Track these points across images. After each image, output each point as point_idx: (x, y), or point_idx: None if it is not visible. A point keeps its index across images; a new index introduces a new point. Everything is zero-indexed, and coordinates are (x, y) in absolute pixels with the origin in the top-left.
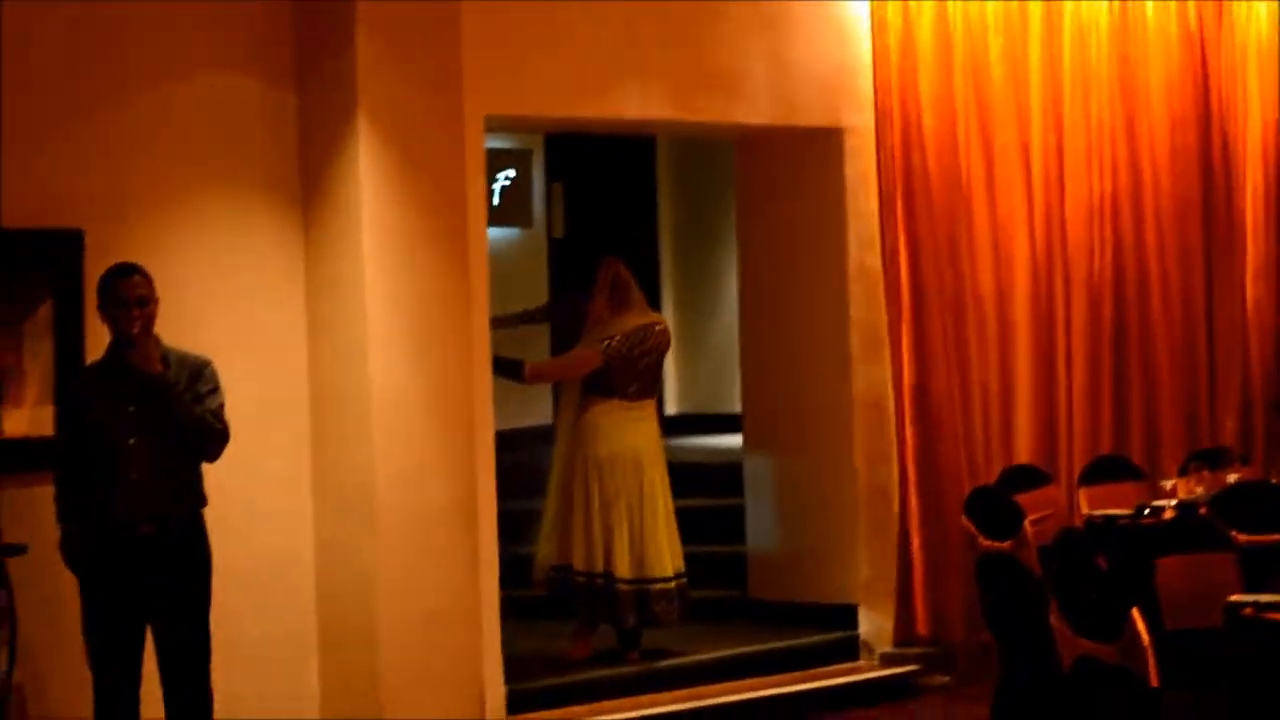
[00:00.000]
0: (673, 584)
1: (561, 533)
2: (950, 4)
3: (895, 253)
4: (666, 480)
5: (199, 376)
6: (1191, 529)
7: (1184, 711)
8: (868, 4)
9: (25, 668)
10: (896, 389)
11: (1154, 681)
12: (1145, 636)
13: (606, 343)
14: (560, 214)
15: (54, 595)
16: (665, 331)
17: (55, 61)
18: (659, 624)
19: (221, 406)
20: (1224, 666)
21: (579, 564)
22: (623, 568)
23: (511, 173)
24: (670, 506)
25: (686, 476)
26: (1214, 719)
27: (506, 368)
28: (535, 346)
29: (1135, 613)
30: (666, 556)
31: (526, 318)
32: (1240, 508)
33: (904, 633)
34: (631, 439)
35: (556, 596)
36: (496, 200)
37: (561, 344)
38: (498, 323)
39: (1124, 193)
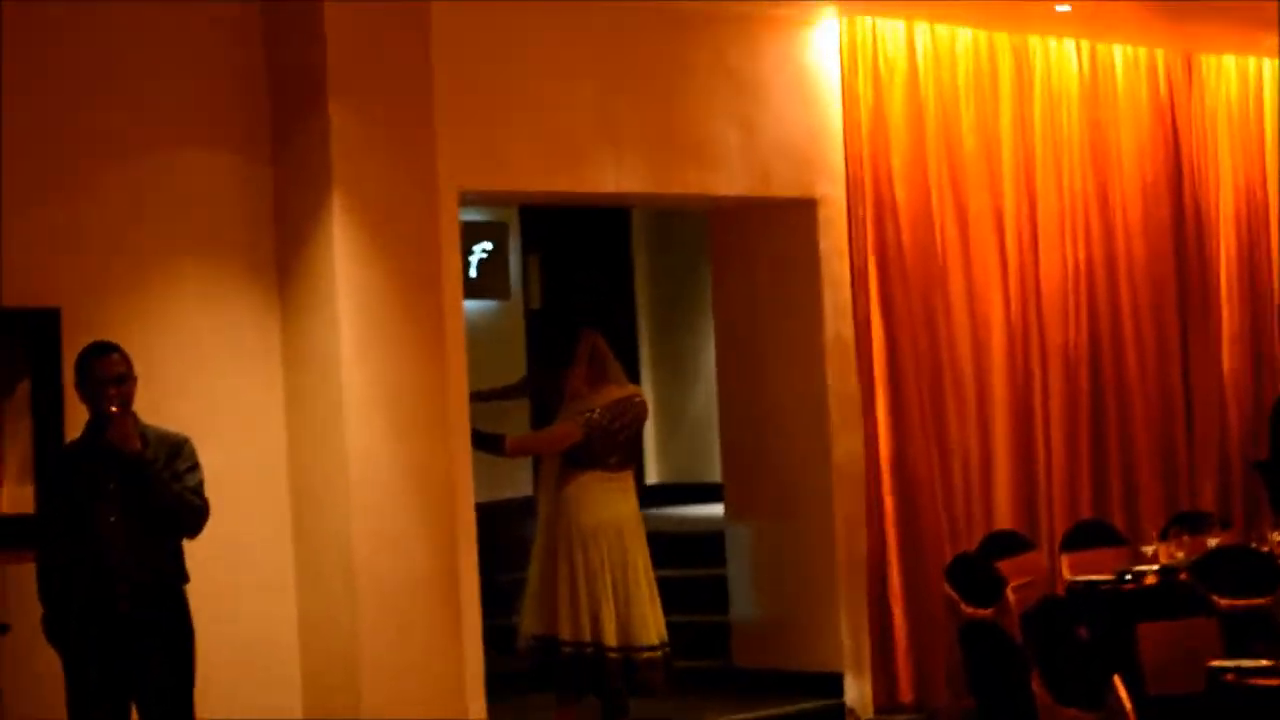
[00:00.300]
0: (659, 653)
1: (545, 603)
2: (922, 75)
3: (867, 322)
4: (646, 550)
5: (178, 454)
6: (1173, 594)
7: None
8: (839, 77)
9: None
10: (871, 458)
11: None
12: (1127, 703)
13: (587, 416)
14: (537, 285)
15: (39, 673)
16: (643, 403)
17: (29, 139)
18: (646, 693)
19: (201, 484)
20: None
21: (566, 634)
22: (610, 636)
23: (488, 245)
24: (651, 576)
25: (667, 546)
26: None
27: (486, 442)
28: (515, 419)
29: (1117, 680)
30: (651, 625)
31: (505, 393)
32: (1221, 572)
33: (886, 699)
34: (614, 509)
35: (540, 667)
36: (474, 273)
37: (541, 416)
38: (477, 396)
39: (1098, 259)
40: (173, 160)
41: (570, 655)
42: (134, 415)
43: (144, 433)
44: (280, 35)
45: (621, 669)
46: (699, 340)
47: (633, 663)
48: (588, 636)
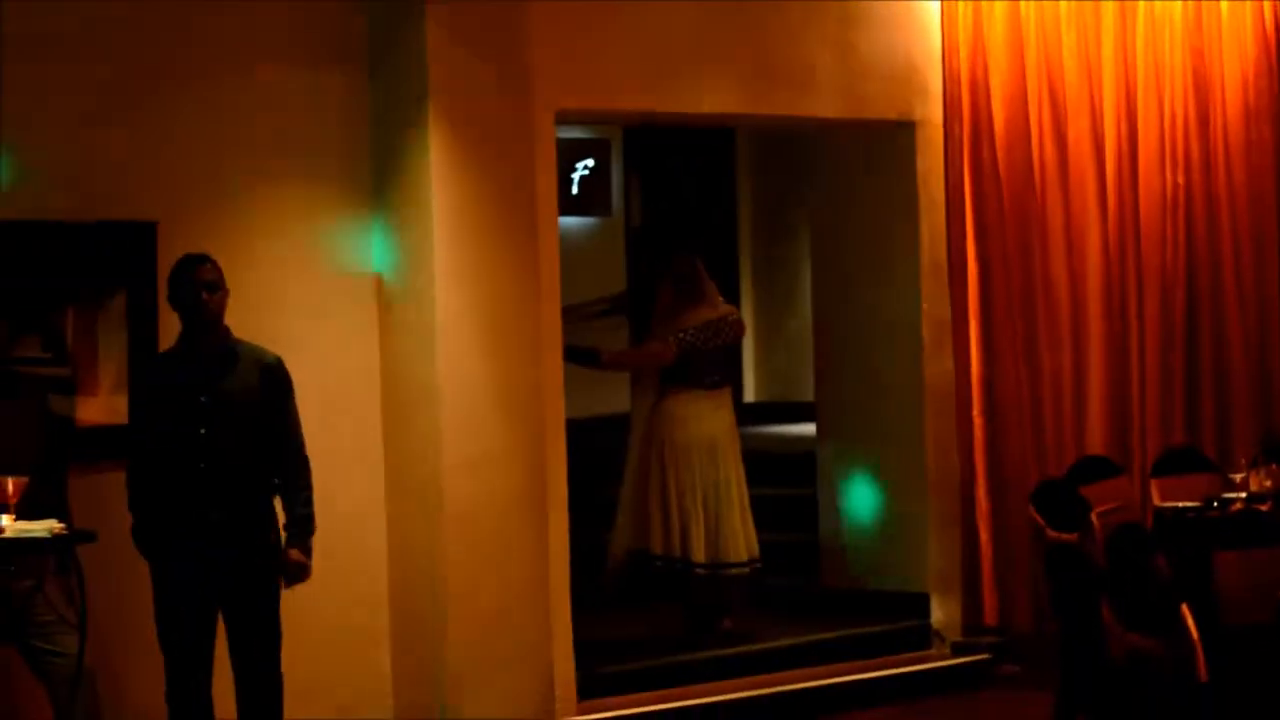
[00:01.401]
0: (746, 569)
1: (638, 518)
2: (1023, 1)
3: (963, 246)
4: (742, 468)
5: (273, 379)
6: (1255, 523)
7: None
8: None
9: (97, 654)
10: (963, 381)
11: (1203, 677)
12: (1194, 632)
13: (679, 336)
14: (638, 204)
15: (126, 582)
16: (739, 323)
17: (127, 54)
18: (731, 609)
19: (296, 413)
20: (1274, 662)
21: (658, 548)
22: (698, 553)
23: (590, 162)
24: (745, 492)
25: (761, 465)
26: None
27: (581, 356)
28: (617, 336)
29: (1184, 609)
30: (741, 543)
31: (606, 309)
32: None
33: (972, 622)
34: (708, 427)
35: (632, 580)
36: (575, 190)
37: (638, 334)
38: (575, 312)
39: (1198, 186)
40: (269, 74)
41: (660, 569)
42: (226, 328)
43: (236, 347)
44: None
45: (708, 585)
46: (798, 262)
47: (719, 579)
48: (678, 552)
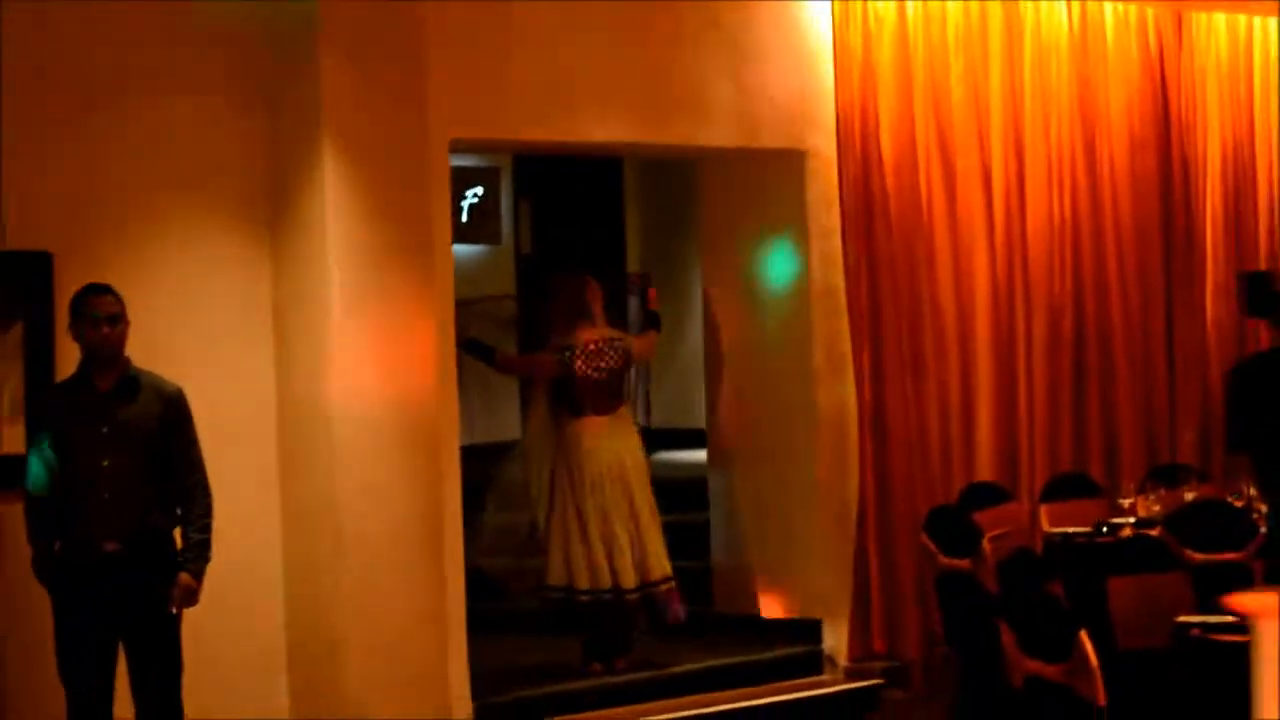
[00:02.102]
0: (672, 582)
1: (559, 554)
2: (911, 28)
3: (857, 271)
4: (649, 485)
5: (174, 409)
6: (1146, 549)
7: None
8: (830, 28)
9: (1, 682)
10: (854, 407)
11: (1100, 701)
12: (1092, 657)
13: (564, 353)
14: (528, 230)
15: (28, 610)
16: (627, 348)
17: (23, 82)
18: (670, 624)
19: (197, 443)
20: (1170, 687)
21: (584, 583)
22: (628, 579)
23: (480, 190)
24: (655, 508)
25: (654, 491)
26: None
27: (479, 350)
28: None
29: (1083, 633)
30: (663, 557)
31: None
32: (1195, 526)
33: (861, 648)
34: (616, 452)
35: (562, 614)
36: (465, 217)
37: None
38: (472, 308)
39: (1084, 214)
40: (167, 107)
41: (589, 603)
42: (127, 359)
43: (136, 378)
44: None
45: (642, 606)
46: (688, 288)
47: (651, 597)
48: (607, 583)
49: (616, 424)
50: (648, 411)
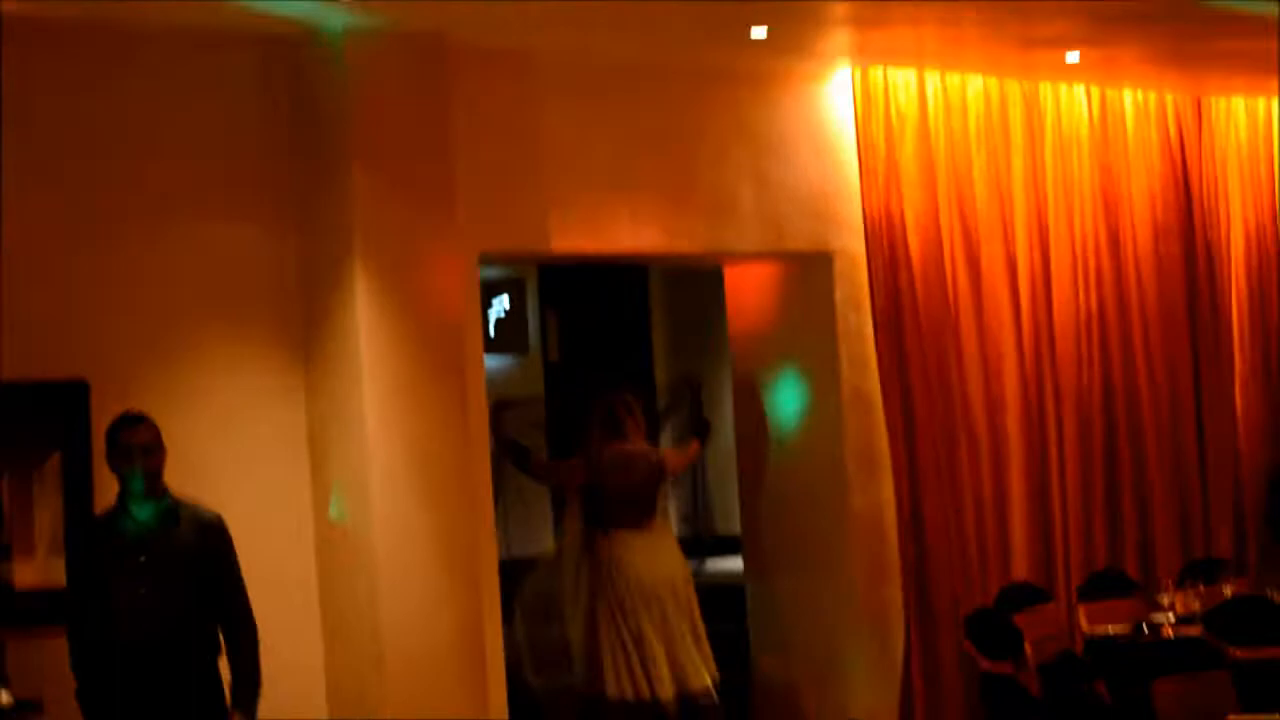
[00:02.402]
0: (714, 696)
1: (592, 664)
2: (932, 123)
3: (890, 371)
4: (693, 594)
5: (214, 537)
6: (1189, 647)
7: None
8: (853, 126)
9: None
10: (891, 510)
11: None
12: None
13: (589, 461)
14: (555, 339)
15: None
16: (660, 461)
17: (58, 212)
18: None
19: (238, 570)
20: None
21: (612, 692)
22: (665, 689)
23: (506, 301)
24: (698, 617)
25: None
26: None
27: (516, 451)
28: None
29: None
30: (702, 667)
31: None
32: (1236, 622)
33: None
34: (647, 565)
35: None
36: (492, 329)
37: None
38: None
39: (1110, 304)
40: (199, 231)
41: (624, 712)
42: (165, 487)
43: (176, 507)
44: (302, 105)
45: (681, 716)
46: (717, 391)
47: (691, 707)
48: (644, 693)
49: (650, 537)
50: (708, 519)
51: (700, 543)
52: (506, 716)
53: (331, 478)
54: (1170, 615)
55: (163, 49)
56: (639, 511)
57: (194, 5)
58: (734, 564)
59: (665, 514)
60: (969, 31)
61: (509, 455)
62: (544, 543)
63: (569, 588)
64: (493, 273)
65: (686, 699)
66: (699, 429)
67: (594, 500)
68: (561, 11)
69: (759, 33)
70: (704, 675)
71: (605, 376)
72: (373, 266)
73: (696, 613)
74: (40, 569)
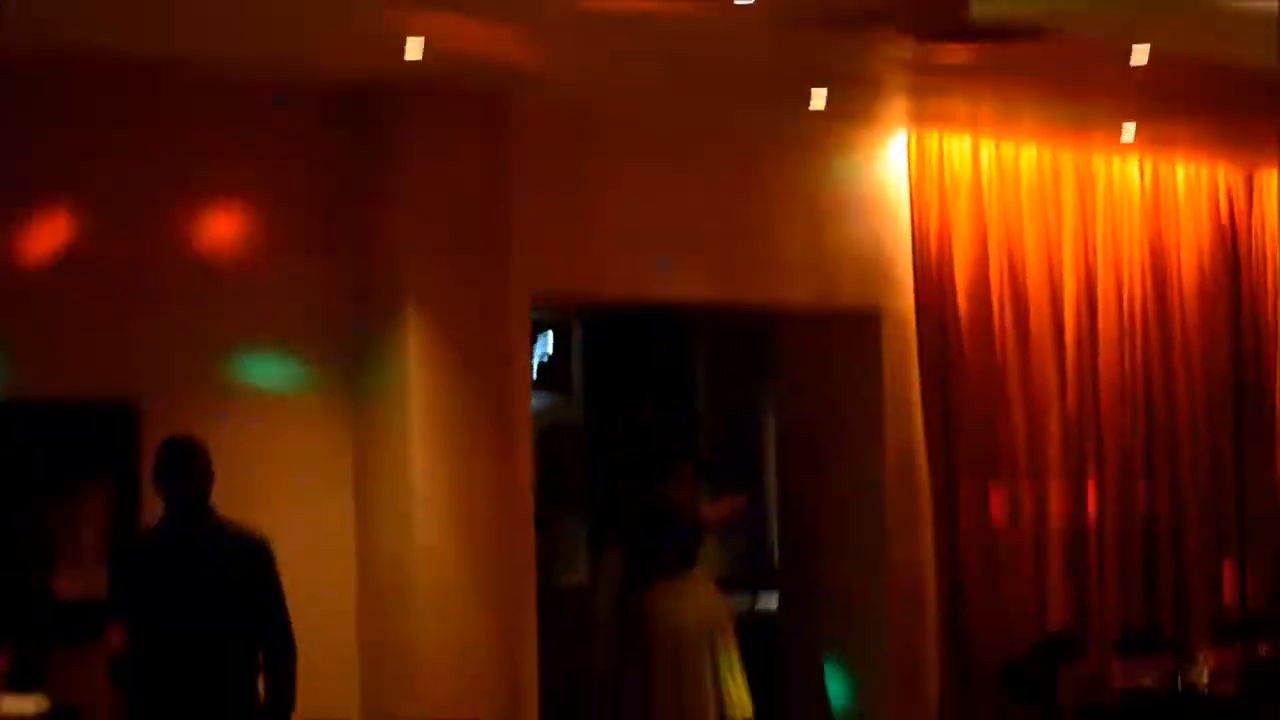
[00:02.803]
0: None
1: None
2: (986, 185)
3: (935, 430)
4: (732, 635)
5: (258, 559)
6: (1223, 705)
7: None
8: (907, 186)
9: None
10: (936, 563)
11: None
12: None
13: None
14: (598, 381)
15: None
16: (699, 518)
17: (116, 239)
18: None
19: (281, 593)
20: None
21: None
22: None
23: (551, 341)
24: (736, 656)
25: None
26: None
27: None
28: None
29: None
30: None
31: None
32: (1271, 682)
33: None
34: (686, 611)
35: None
36: (536, 369)
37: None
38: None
39: (1156, 369)
40: (251, 262)
41: None
42: (211, 508)
43: (223, 528)
44: (365, 149)
45: None
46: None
47: None
48: None
49: (688, 585)
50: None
51: (755, 577)
52: None
53: (375, 508)
54: (1204, 672)
55: (231, 89)
56: (677, 562)
57: (266, 53)
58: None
59: (705, 560)
60: (1024, 104)
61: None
62: (578, 573)
63: (603, 628)
64: (538, 314)
65: None
66: (745, 483)
67: (633, 552)
68: (624, 74)
69: (819, 100)
70: (747, 708)
71: (646, 417)
72: (425, 301)
73: (735, 652)
74: (84, 582)
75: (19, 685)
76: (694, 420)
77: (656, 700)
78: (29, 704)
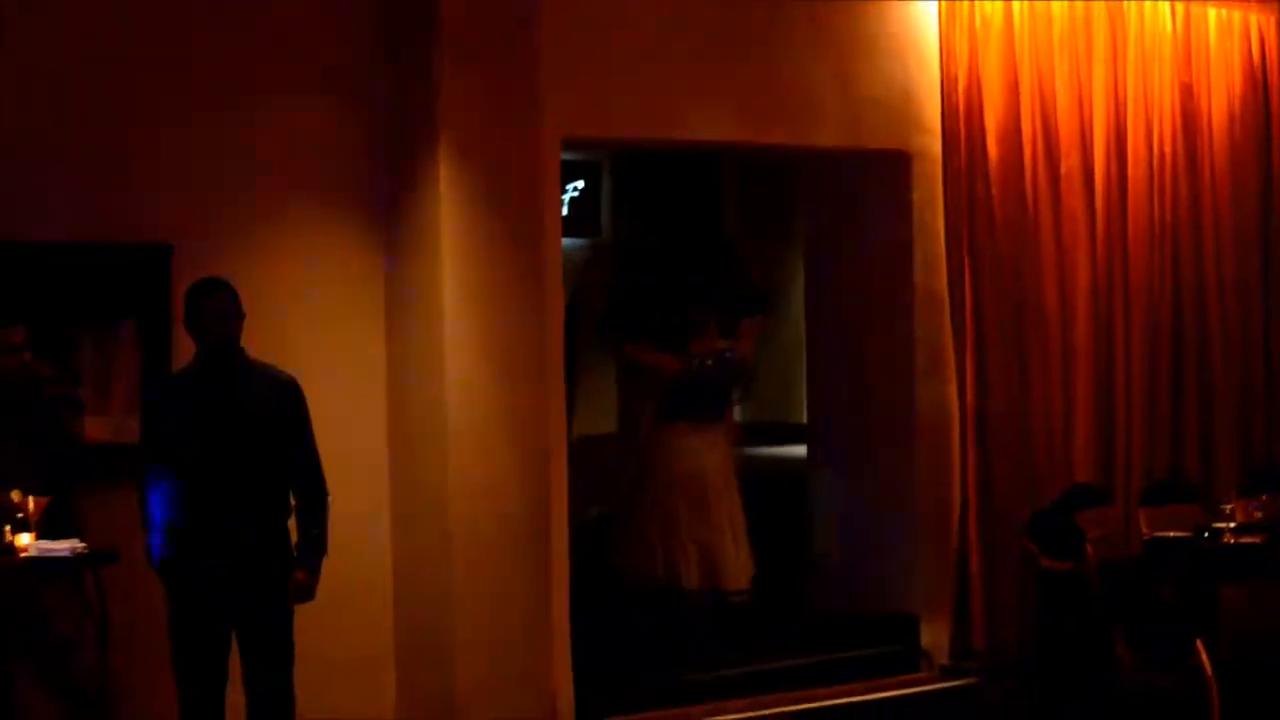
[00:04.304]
0: (745, 596)
1: (634, 542)
2: (1017, 30)
3: (961, 275)
4: (736, 497)
5: (288, 398)
6: (1252, 554)
7: None
8: (936, 31)
9: (114, 670)
10: (956, 409)
11: (1215, 714)
12: (1208, 668)
13: (697, 359)
14: (627, 224)
15: (140, 601)
16: (737, 356)
17: (145, 80)
18: (729, 634)
19: (312, 433)
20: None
21: (692, 583)
22: (691, 580)
23: (580, 184)
24: (739, 521)
25: (748, 486)
26: None
27: (611, 330)
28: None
29: (1199, 644)
30: (737, 569)
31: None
32: None
33: (961, 645)
34: (701, 462)
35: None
36: (566, 211)
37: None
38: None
39: (1184, 218)
40: (285, 103)
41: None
42: (242, 350)
43: (252, 368)
44: None
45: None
46: (786, 286)
47: (722, 605)
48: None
49: (709, 436)
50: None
51: (771, 429)
52: (567, 596)
53: (406, 349)
54: (1231, 523)
55: None
56: (709, 407)
57: None
58: (798, 451)
59: (730, 410)
60: None
61: (604, 333)
62: (606, 423)
63: (633, 471)
64: (569, 156)
65: (718, 596)
66: (752, 306)
67: (674, 393)
68: None
69: None
70: (739, 577)
71: (677, 258)
72: (456, 143)
73: (738, 511)
74: (113, 426)
75: (55, 529)
76: (725, 259)
77: (646, 538)
78: (62, 546)
